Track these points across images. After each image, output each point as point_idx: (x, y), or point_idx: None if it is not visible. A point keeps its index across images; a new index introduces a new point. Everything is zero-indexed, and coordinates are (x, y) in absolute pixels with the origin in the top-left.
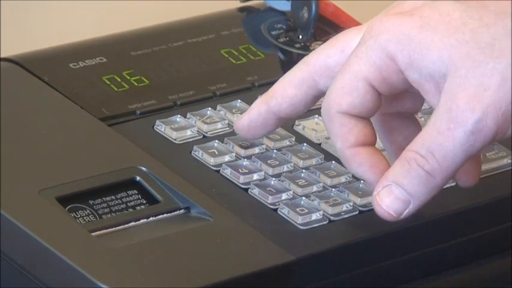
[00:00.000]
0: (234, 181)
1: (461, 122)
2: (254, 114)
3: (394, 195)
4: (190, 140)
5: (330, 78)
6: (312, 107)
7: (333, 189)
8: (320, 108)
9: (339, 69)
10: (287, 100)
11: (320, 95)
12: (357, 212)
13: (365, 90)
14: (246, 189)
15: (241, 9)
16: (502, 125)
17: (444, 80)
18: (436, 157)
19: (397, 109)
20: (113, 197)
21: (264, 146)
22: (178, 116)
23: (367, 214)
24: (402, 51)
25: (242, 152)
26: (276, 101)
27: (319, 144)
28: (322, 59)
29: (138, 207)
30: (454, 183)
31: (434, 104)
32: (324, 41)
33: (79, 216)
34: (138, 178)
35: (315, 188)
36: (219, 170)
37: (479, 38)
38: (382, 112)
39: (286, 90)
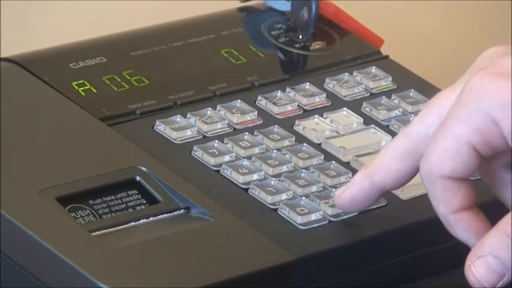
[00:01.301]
0: (234, 181)
1: None
2: (357, 190)
3: (490, 267)
4: (190, 140)
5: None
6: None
7: (333, 189)
8: (321, 108)
9: None
10: (391, 175)
11: None
12: (357, 212)
13: (468, 154)
14: (246, 189)
15: (241, 9)
16: None
17: None
18: None
19: (508, 160)
20: (113, 197)
21: (264, 146)
22: (178, 116)
23: (367, 214)
24: (507, 118)
25: (242, 152)
26: (380, 177)
27: (319, 144)
28: (422, 129)
29: (138, 207)
30: None
31: None
32: (324, 41)
33: (79, 216)
34: (138, 178)
35: (315, 188)
36: (219, 170)
37: None
38: (493, 165)
39: (390, 165)
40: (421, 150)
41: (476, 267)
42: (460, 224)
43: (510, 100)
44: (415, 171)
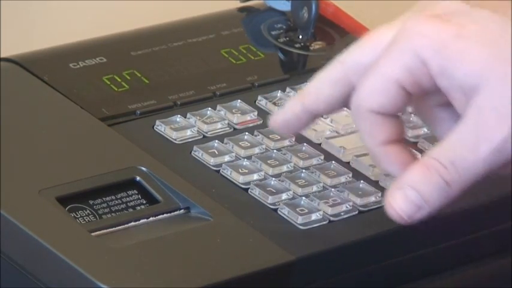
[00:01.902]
0: (234, 181)
1: (487, 139)
2: (290, 114)
3: (409, 198)
4: (190, 140)
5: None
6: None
7: (333, 189)
8: None
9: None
10: (323, 99)
11: None
12: (357, 212)
13: (395, 91)
14: (246, 189)
15: (241, 9)
16: None
17: (474, 92)
18: (457, 169)
19: (441, 100)
20: (113, 197)
21: (264, 146)
22: (178, 116)
23: (367, 214)
24: (435, 59)
25: (242, 152)
26: (311, 101)
27: (319, 144)
28: (356, 57)
29: (138, 207)
30: None
31: (461, 112)
32: (324, 41)
33: (79, 216)
34: (138, 178)
35: (315, 188)
36: (219, 170)
37: None
38: (427, 104)
39: (322, 89)
40: (353, 79)
41: (396, 199)
42: (385, 156)
43: (439, 40)
44: (346, 98)
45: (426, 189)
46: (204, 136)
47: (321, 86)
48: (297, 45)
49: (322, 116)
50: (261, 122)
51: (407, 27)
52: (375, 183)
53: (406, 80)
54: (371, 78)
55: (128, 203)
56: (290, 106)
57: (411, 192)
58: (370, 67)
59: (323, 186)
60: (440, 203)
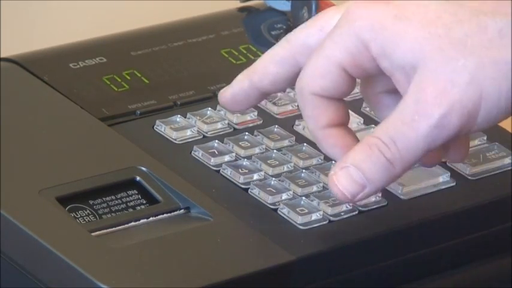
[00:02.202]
0: (234, 181)
1: (426, 115)
2: (237, 89)
3: (352, 177)
4: (190, 140)
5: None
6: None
7: None
8: None
9: None
10: (269, 77)
11: None
12: (357, 212)
13: (338, 74)
14: (246, 189)
15: (241, 9)
16: (466, 122)
17: (414, 71)
18: (398, 146)
19: (387, 87)
20: (113, 197)
21: (264, 146)
22: (178, 116)
23: (367, 214)
24: (375, 40)
25: (242, 152)
26: (258, 77)
27: None
28: (302, 37)
29: (138, 207)
30: (454, 183)
31: (404, 93)
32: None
33: (79, 216)
34: (138, 178)
35: (315, 188)
36: (219, 170)
37: (452, 34)
38: (374, 90)
39: (268, 67)
40: (298, 58)
41: (339, 177)
42: (327, 139)
43: (378, 22)
44: (292, 77)
45: (369, 168)
46: (204, 136)
47: (268, 64)
48: None
49: (269, 95)
50: (261, 122)
51: (349, 10)
52: None
53: (348, 63)
54: (314, 61)
55: (128, 203)
56: (238, 81)
57: (354, 171)
58: (314, 51)
59: (323, 186)
60: (384, 182)
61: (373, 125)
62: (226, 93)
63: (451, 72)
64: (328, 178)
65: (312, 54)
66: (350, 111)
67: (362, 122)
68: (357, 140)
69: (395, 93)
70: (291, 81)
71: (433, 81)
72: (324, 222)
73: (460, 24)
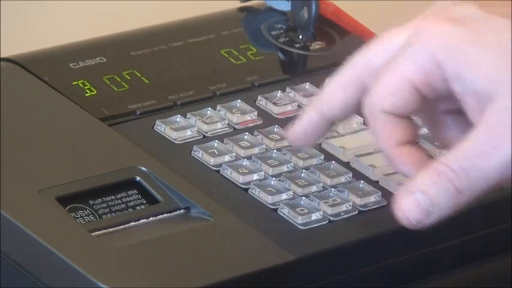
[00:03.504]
0: (234, 181)
1: (501, 149)
2: (306, 123)
3: (418, 203)
4: (190, 140)
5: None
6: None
7: (333, 189)
8: None
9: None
10: (338, 104)
11: None
12: (357, 212)
13: (409, 92)
14: (246, 189)
15: (241, 9)
16: None
17: (488, 100)
18: (468, 176)
19: (448, 107)
20: (113, 197)
21: (264, 146)
22: (178, 116)
23: (367, 214)
24: (451, 62)
25: (242, 152)
26: (327, 107)
27: (319, 144)
28: (367, 59)
29: (138, 207)
30: None
31: (473, 118)
32: (324, 41)
33: (79, 216)
34: (138, 178)
35: (314, 188)
36: (219, 170)
37: None
38: (433, 110)
39: (336, 94)
40: (365, 80)
41: (405, 202)
42: (399, 157)
43: (455, 44)
44: (360, 101)
45: (436, 195)
46: (204, 136)
47: (334, 91)
48: (297, 45)
49: (339, 123)
50: (261, 122)
51: (423, 28)
52: (375, 183)
53: (420, 81)
54: (385, 79)
55: (128, 203)
56: (306, 116)
57: (421, 197)
58: (383, 68)
59: (323, 186)
60: (450, 209)
61: None
62: (295, 130)
63: None
64: (395, 202)
65: (381, 72)
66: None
67: (362, 122)
68: (429, 157)
69: (457, 114)
70: (359, 105)
71: (510, 113)
72: (324, 222)
73: None
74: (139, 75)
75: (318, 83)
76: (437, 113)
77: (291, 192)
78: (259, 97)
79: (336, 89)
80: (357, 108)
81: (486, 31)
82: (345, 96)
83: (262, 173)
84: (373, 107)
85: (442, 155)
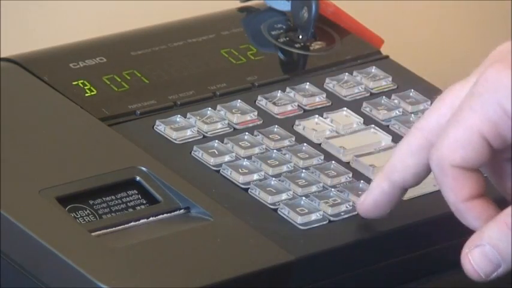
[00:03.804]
0: (234, 181)
1: None
2: (378, 193)
3: (487, 257)
4: (190, 140)
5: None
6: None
7: (333, 189)
8: (321, 108)
9: None
10: (410, 171)
11: None
12: (357, 212)
13: (479, 144)
14: (246, 189)
15: (241, 9)
16: None
17: None
18: None
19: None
20: (113, 197)
21: (264, 146)
22: (178, 116)
23: None
24: None
25: (242, 152)
26: (398, 175)
27: (319, 144)
28: (434, 120)
29: (138, 207)
30: None
31: None
32: (324, 41)
33: (79, 216)
34: (138, 178)
35: (315, 188)
36: (219, 170)
37: None
38: (497, 158)
39: (406, 161)
40: (435, 141)
41: (473, 256)
42: (470, 212)
43: None
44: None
45: (505, 248)
46: (204, 136)
47: (405, 158)
48: (297, 45)
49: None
50: (261, 122)
51: (488, 78)
52: None
53: (489, 133)
54: (453, 132)
55: (128, 203)
56: (376, 186)
57: (490, 251)
58: (449, 121)
59: (323, 186)
60: None
61: (372, 125)
62: (367, 202)
63: None
64: (462, 256)
65: (448, 125)
66: (350, 111)
67: (362, 122)
68: (498, 211)
69: None
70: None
71: None
72: (324, 222)
73: None
74: (139, 75)
75: (318, 83)
76: (500, 161)
77: (291, 192)
78: (259, 97)
79: (406, 156)
80: (429, 171)
81: None
82: (416, 161)
83: (262, 173)
84: (443, 162)
85: (510, 206)
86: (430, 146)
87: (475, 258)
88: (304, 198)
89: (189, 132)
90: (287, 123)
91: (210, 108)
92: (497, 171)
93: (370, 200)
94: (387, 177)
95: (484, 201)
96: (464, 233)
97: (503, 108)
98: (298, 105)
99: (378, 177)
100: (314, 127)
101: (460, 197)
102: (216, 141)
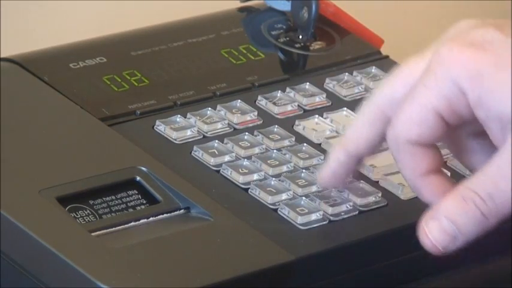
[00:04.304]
0: (234, 181)
1: None
2: (335, 165)
3: (444, 230)
4: (190, 140)
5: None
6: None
7: (333, 189)
8: (321, 108)
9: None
10: (363, 141)
11: None
12: (357, 212)
13: (434, 121)
14: (246, 189)
15: (241, 9)
16: None
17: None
18: (495, 201)
19: (472, 130)
20: (113, 197)
21: (264, 146)
22: (178, 116)
23: (367, 214)
24: (474, 89)
25: (242, 152)
26: (353, 146)
27: (319, 144)
28: (388, 93)
29: (138, 207)
30: None
31: (497, 143)
32: (324, 41)
33: (79, 216)
34: (138, 178)
35: (314, 188)
36: (219, 170)
37: None
38: (459, 133)
39: (361, 132)
40: (388, 113)
41: (430, 229)
42: (426, 187)
43: (477, 70)
44: (385, 134)
45: (462, 221)
46: (204, 136)
47: (359, 129)
48: (297, 45)
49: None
50: (261, 122)
51: (442, 55)
52: (375, 183)
53: (444, 109)
54: (408, 109)
55: (128, 203)
56: (333, 157)
57: (447, 223)
58: (406, 97)
59: None
60: (476, 234)
61: None
62: (325, 174)
63: None
64: (419, 229)
65: (404, 102)
66: (350, 111)
67: None
68: (454, 184)
69: (481, 137)
70: (385, 138)
71: None
72: (324, 222)
73: None
74: (139, 75)
75: (318, 83)
76: (462, 138)
77: (291, 192)
78: (259, 97)
79: (361, 128)
80: (383, 141)
81: (506, 54)
82: (371, 132)
83: (262, 173)
84: (398, 138)
85: (467, 179)
86: (383, 117)
87: (432, 231)
88: (304, 198)
89: (189, 132)
90: (287, 123)
91: (210, 108)
92: (459, 146)
93: (329, 172)
94: (343, 148)
95: (441, 176)
96: None
97: (458, 86)
98: (298, 105)
99: (335, 150)
100: (314, 127)
101: (416, 172)
102: (216, 141)
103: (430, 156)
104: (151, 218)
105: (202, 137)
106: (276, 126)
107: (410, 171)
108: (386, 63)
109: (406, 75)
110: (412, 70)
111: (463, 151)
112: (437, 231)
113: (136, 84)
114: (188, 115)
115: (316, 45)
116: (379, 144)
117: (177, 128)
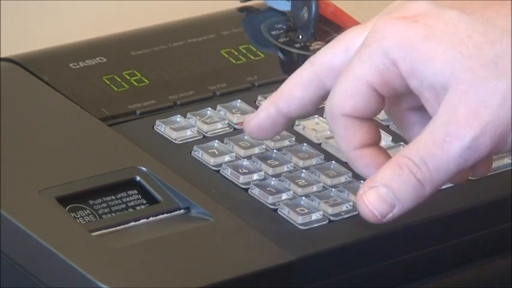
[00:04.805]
0: (234, 181)
1: (458, 137)
2: (263, 116)
3: (381, 197)
4: (190, 140)
5: (336, 78)
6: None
7: (333, 189)
8: (321, 108)
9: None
10: (295, 101)
11: (327, 94)
12: (357, 212)
13: (368, 94)
14: (246, 189)
15: (241, 9)
16: (498, 143)
17: (445, 91)
18: (429, 167)
19: (411, 104)
20: (113, 197)
21: (264, 146)
22: (178, 116)
23: None
24: (405, 59)
25: (242, 152)
26: (284, 103)
27: (319, 144)
28: (327, 59)
29: (138, 207)
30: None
31: (432, 113)
32: (325, 42)
33: (79, 216)
34: (138, 178)
35: (315, 188)
36: (219, 170)
37: (483, 54)
38: (399, 107)
39: (294, 91)
40: (325, 80)
41: (368, 197)
42: (361, 159)
43: (407, 41)
44: (318, 100)
45: (399, 188)
46: (204, 136)
47: (293, 88)
48: (297, 45)
49: (296, 119)
50: None
51: (376, 28)
52: None
53: (377, 82)
54: (343, 82)
55: (128, 203)
56: (263, 109)
57: (384, 191)
58: (343, 69)
59: (323, 186)
60: (413, 201)
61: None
62: (252, 122)
63: (483, 93)
64: (357, 197)
65: (340, 75)
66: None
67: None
68: (390, 158)
69: (421, 111)
70: (317, 104)
71: (464, 102)
72: (324, 222)
73: (491, 45)
74: (139, 75)
75: None
76: (403, 112)
77: (291, 192)
78: (259, 97)
79: (295, 87)
80: (315, 107)
81: (437, 24)
82: (302, 94)
83: (262, 173)
84: (334, 111)
85: (403, 148)
86: (318, 82)
87: (370, 198)
88: (304, 198)
89: (189, 132)
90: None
91: (210, 108)
92: (401, 120)
93: (256, 122)
94: (275, 103)
95: (376, 149)
96: (464, 233)
97: (389, 57)
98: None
99: (267, 101)
100: (314, 127)
101: (351, 145)
102: (216, 141)
103: (365, 130)
104: (151, 218)
105: (202, 137)
106: None
107: (345, 144)
108: None
109: (346, 42)
110: (352, 38)
111: (405, 125)
112: (375, 198)
113: (136, 84)
114: (188, 115)
115: (316, 45)
116: (311, 109)
117: (177, 128)
